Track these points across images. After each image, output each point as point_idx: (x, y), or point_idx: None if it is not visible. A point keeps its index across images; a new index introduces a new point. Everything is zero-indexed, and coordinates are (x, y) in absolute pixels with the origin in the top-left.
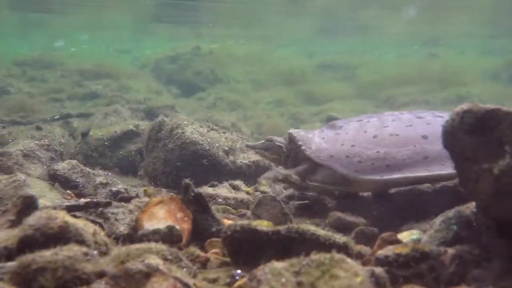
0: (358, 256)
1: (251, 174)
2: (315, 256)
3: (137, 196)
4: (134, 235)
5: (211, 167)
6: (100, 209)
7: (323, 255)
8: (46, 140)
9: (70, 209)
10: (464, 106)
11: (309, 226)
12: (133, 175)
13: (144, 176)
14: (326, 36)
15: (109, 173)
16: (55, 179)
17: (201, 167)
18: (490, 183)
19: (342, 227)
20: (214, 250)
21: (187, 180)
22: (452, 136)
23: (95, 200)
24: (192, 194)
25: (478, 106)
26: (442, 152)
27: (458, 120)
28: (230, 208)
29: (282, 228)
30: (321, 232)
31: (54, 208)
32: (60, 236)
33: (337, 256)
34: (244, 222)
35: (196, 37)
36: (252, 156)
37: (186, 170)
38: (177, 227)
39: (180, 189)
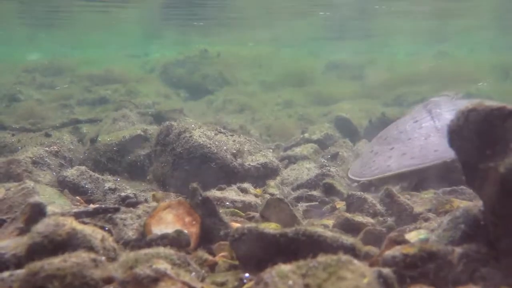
0: (366, 257)
1: (259, 177)
2: (321, 258)
3: (145, 201)
4: (142, 240)
5: (219, 170)
6: (109, 215)
7: (329, 257)
8: (55, 147)
9: (78, 216)
10: (469, 104)
11: (316, 228)
12: (142, 180)
13: (152, 181)
14: (334, 37)
15: (118, 178)
16: (64, 186)
17: (209, 170)
18: (496, 181)
19: (350, 228)
20: (222, 254)
21: (194, 184)
22: (458, 135)
23: (103, 206)
24: (200, 198)
25: (483, 105)
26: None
27: (463, 119)
28: (239, 211)
29: (289, 230)
30: (329, 233)
31: (63, 214)
32: (69, 242)
33: (344, 257)
34: (252, 225)
35: (204, 36)
36: (261, 159)
37: (194, 173)
38: (185, 231)
39: (188, 193)
